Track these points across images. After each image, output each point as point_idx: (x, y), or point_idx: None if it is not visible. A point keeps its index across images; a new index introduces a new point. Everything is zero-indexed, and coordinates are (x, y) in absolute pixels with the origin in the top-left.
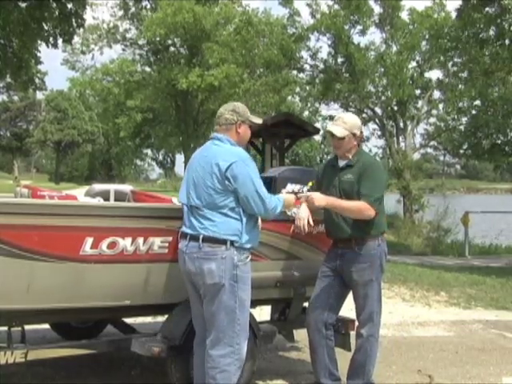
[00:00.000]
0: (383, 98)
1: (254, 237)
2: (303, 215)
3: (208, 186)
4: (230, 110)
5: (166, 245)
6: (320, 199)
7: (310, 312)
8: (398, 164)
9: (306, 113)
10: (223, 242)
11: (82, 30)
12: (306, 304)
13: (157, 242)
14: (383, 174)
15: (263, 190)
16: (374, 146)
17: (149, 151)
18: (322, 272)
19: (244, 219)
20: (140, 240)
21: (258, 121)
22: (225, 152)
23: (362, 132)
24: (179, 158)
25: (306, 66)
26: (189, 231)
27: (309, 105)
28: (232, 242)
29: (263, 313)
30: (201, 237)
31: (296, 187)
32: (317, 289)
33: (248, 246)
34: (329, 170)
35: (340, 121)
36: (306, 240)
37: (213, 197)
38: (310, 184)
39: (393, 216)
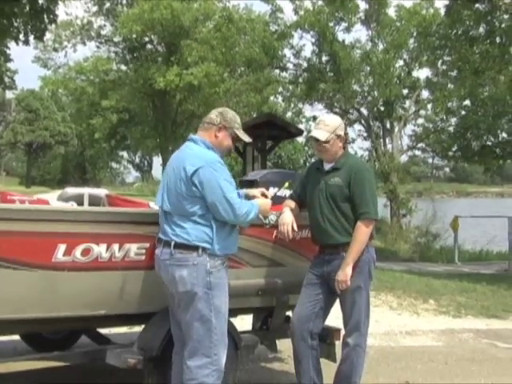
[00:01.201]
0: (369, 98)
1: (229, 244)
2: (287, 220)
3: (177, 191)
4: (218, 111)
5: (143, 251)
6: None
7: (295, 321)
8: (384, 167)
9: (289, 113)
10: (195, 248)
11: (54, 26)
12: (289, 313)
13: (133, 249)
14: (373, 179)
15: (232, 195)
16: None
17: (125, 153)
18: (308, 279)
19: (214, 226)
20: (115, 246)
21: (245, 138)
22: (193, 156)
23: (346, 133)
24: (156, 160)
25: (289, 65)
26: (162, 237)
27: (292, 105)
28: (204, 249)
29: (245, 322)
30: (172, 243)
31: (279, 191)
32: (302, 297)
33: (222, 252)
34: (313, 174)
35: (322, 124)
36: (290, 246)
37: (182, 203)
38: (286, 185)
39: (379, 221)
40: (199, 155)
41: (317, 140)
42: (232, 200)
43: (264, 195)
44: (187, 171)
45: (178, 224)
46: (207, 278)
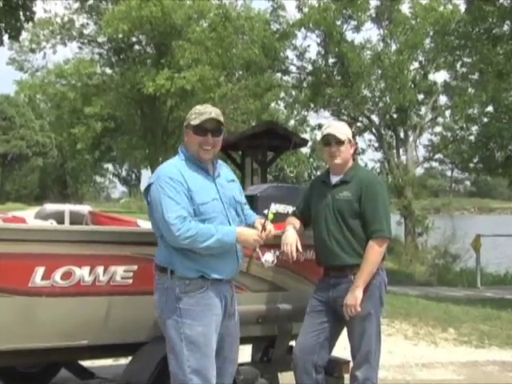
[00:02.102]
0: (381, 104)
1: (207, 266)
2: (290, 239)
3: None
4: None
5: (131, 275)
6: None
7: (298, 352)
8: (398, 180)
9: (292, 121)
10: (165, 270)
11: (31, 24)
12: (292, 342)
13: (119, 272)
14: (386, 193)
15: (171, 214)
16: (371, 159)
17: (110, 166)
18: (312, 306)
19: (172, 247)
20: (100, 269)
21: (196, 121)
22: (155, 171)
23: (356, 143)
24: (145, 173)
25: (292, 68)
26: None
27: (295, 112)
28: (172, 271)
29: (243, 353)
30: (154, 264)
31: (280, 207)
32: (306, 325)
33: (194, 275)
34: (319, 188)
35: (333, 126)
36: (292, 268)
37: (151, 221)
38: (271, 216)
39: (392, 240)
40: (158, 170)
41: (328, 143)
42: (169, 220)
43: (263, 228)
44: (143, 189)
45: (157, 244)
46: (176, 304)
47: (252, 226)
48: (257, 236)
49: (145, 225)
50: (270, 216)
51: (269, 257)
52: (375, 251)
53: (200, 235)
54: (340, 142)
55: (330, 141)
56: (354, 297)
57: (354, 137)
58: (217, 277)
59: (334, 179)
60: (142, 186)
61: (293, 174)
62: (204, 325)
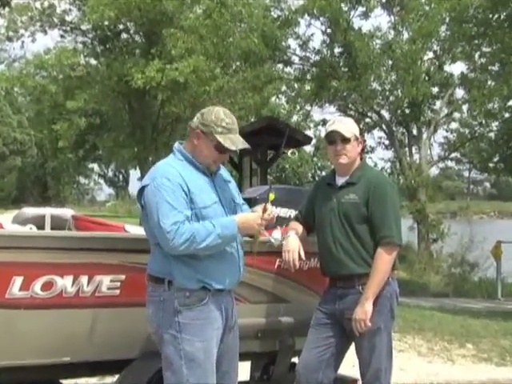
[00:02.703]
0: (392, 98)
1: (208, 275)
2: (292, 246)
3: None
4: (202, 111)
5: (118, 285)
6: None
7: (301, 369)
8: (410, 181)
9: (295, 117)
10: (161, 281)
11: (7, 9)
12: (295, 359)
13: (105, 282)
14: (396, 195)
15: (167, 220)
16: (381, 158)
17: (95, 166)
18: (317, 319)
19: (171, 255)
20: (84, 279)
21: (230, 145)
22: (149, 171)
23: (364, 140)
24: (134, 174)
25: (295, 59)
26: None
27: (298, 107)
28: (170, 282)
29: (242, 370)
30: (146, 274)
31: (282, 211)
32: (310, 340)
33: (196, 286)
34: (324, 190)
35: (338, 122)
36: (295, 278)
37: (145, 228)
38: (272, 197)
39: (404, 247)
40: (152, 170)
41: (332, 141)
42: (165, 227)
43: (265, 210)
44: (136, 191)
45: (150, 252)
46: (174, 318)
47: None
48: (260, 220)
49: (133, 230)
50: (271, 197)
51: (277, 234)
52: (384, 259)
53: (197, 235)
54: (346, 140)
55: (334, 138)
56: (364, 310)
57: (361, 134)
58: (219, 287)
59: (340, 180)
60: (131, 188)
61: (294, 156)
62: (205, 340)
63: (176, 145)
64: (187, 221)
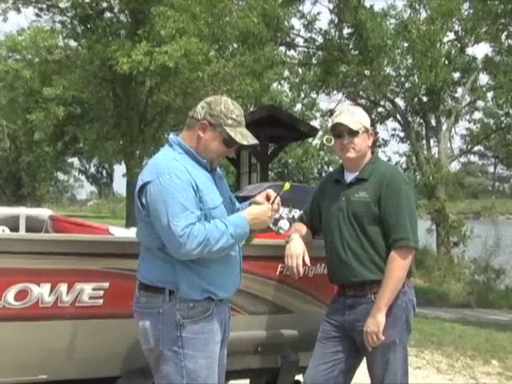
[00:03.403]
0: (407, 84)
1: (214, 283)
2: (296, 251)
3: (136, 215)
4: (207, 100)
5: (101, 294)
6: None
7: None
8: (428, 178)
9: (299, 106)
10: (160, 290)
11: None
12: (299, 377)
13: (87, 290)
14: (412, 193)
15: (179, 222)
16: (395, 152)
17: (75, 160)
18: (324, 331)
19: (180, 262)
20: (63, 287)
21: (242, 140)
22: (149, 165)
23: (376, 132)
24: (119, 169)
25: (299, 41)
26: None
27: (302, 95)
28: (171, 292)
29: None
30: (137, 282)
31: (284, 211)
32: (316, 355)
33: (200, 296)
34: (331, 187)
35: (345, 112)
36: (299, 286)
37: (140, 230)
38: (287, 187)
39: (422, 251)
40: (154, 165)
41: (340, 134)
42: (177, 230)
43: (268, 198)
44: (136, 188)
45: (143, 258)
46: (176, 333)
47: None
48: (270, 212)
49: (118, 232)
50: (286, 187)
51: (284, 224)
52: (398, 265)
53: (211, 237)
54: (353, 133)
55: (340, 131)
56: (376, 322)
57: (373, 125)
58: (224, 296)
59: (349, 177)
60: (115, 185)
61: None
62: (208, 356)
63: (172, 137)
64: (198, 222)
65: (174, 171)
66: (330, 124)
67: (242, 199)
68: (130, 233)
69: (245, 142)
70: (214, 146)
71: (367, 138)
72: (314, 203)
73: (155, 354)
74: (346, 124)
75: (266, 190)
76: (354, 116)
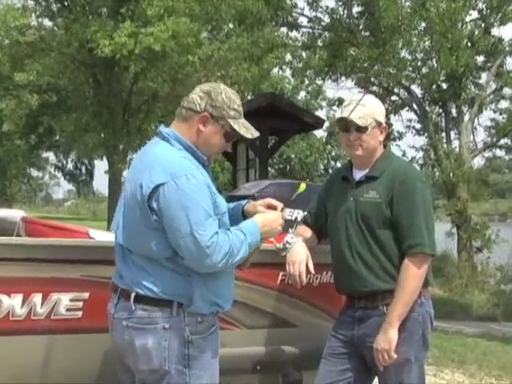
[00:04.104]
0: (425, 69)
1: (221, 295)
2: (299, 257)
3: (135, 219)
4: (204, 89)
5: (80, 305)
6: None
7: None
8: (448, 175)
9: (302, 94)
10: (166, 303)
11: None
12: None
13: (64, 301)
14: (429, 193)
15: (204, 231)
16: (411, 146)
17: (51, 155)
18: (331, 347)
19: (195, 273)
20: (37, 298)
21: (247, 133)
22: (155, 164)
23: (389, 123)
24: (100, 165)
25: (303, 21)
26: (118, 283)
27: (306, 82)
28: (180, 305)
29: None
30: (132, 294)
31: (286, 212)
32: (322, 374)
33: (209, 310)
34: (338, 186)
35: (355, 104)
36: (302, 296)
37: (143, 238)
38: (303, 187)
39: (441, 258)
40: (164, 163)
41: (346, 129)
42: (203, 240)
43: (271, 207)
44: (143, 191)
45: (140, 267)
46: (184, 351)
47: (242, 214)
48: (280, 219)
49: (99, 236)
50: (302, 187)
51: (290, 238)
52: (413, 274)
53: (234, 247)
54: (362, 129)
55: (347, 125)
56: (387, 339)
57: (386, 115)
58: (228, 308)
59: (358, 174)
60: (96, 183)
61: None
62: (214, 375)
63: (167, 130)
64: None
65: (189, 171)
66: (337, 115)
67: (239, 199)
68: (113, 236)
69: (249, 136)
70: (216, 141)
71: (379, 134)
72: (320, 203)
73: (159, 375)
74: (353, 120)
75: (266, 199)
76: (364, 108)
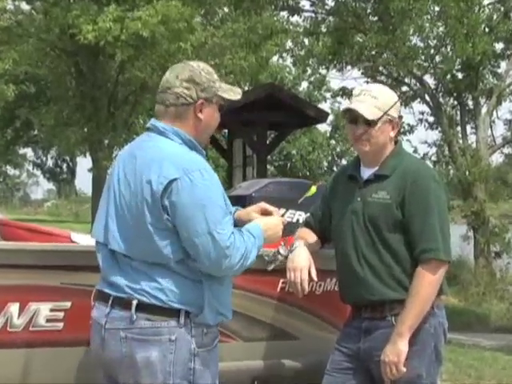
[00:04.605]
0: (438, 57)
1: (224, 304)
2: (301, 263)
3: (138, 220)
4: (184, 79)
5: (61, 315)
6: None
7: None
8: (464, 173)
9: (305, 85)
10: (173, 313)
11: None
12: None
13: (44, 311)
14: (444, 194)
15: (223, 230)
16: (422, 141)
17: (29, 151)
18: (334, 362)
19: (205, 278)
20: (13, 308)
21: (233, 95)
22: (164, 159)
23: (401, 116)
24: (83, 162)
25: (305, 4)
26: (112, 292)
27: (309, 71)
28: (188, 314)
29: None
30: (134, 302)
31: (287, 214)
32: None
33: (215, 321)
34: (344, 185)
35: (365, 94)
36: (304, 306)
37: (149, 240)
38: (314, 189)
39: (456, 264)
40: (173, 158)
41: (354, 120)
42: (221, 238)
43: (266, 213)
44: (154, 188)
45: (143, 273)
46: (190, 364)
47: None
48: (282, 224)
49: (82, 240)
50: (312, 190)
51: (282, 250)
52: (426, 282)
53: (248, 250)
54: (371, 122)
55: (355, 117)
56: (396, 351)
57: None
58: (230, 318)
59: (366, 172)
60: (79, 182)
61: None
62: None
63: (163, 125)
64: None
65: (202, 166)
66: (344, 104)
67: (235, 199)
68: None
69: (238, 96)
70: (215, 120)
71: (390, 129)
72: (324, 204)
73: None
74: (360, 112)
75: (258, 204)
76: (375, 101)
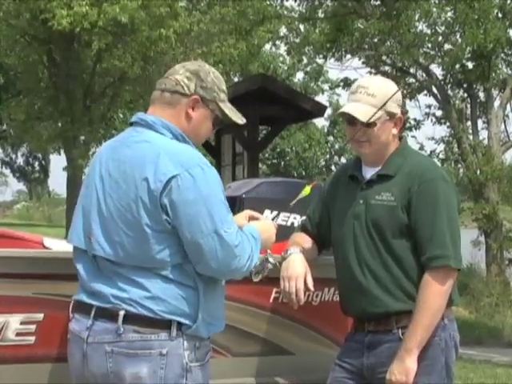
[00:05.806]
0: (447, 46)
1: (217, 315)
2: (296, 271)
3: (130, 221)
4: (189, 70)
5: (33, 329)
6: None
7: None
8: (475, 172)
9: (300, 75)
10: (164, 325)
11: None
12: None
13: (14, 324)
14: (454, 195)
15: (229, 229)
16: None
17: None
18: (335, 379)
19: (201, 285)
20: None
21: (234, 115)
22: (159, 154)
23: (405, 111)
24: (56, 160)
25: None
26: (94, 302)
27: (305, 60)
28: (180, 326)
29: None
30: (121, 313)
31: (280, 217)
32: None
33: (208, 333)
34: (345, 186)
35: (362, 92)
36: (300, 318)
37: (143, 243)
38: (308, 190)
39: (466, 272)
40: (169, 153)
41: (352, 122)
42: (228, 237)
43: (253, 219)
44: (152, 186)
45: (131, 281)
46: (182, 380)
47: None
48: (275, 228)
49: (56, 245)
50: (306, 191)
51: (271, 257)
52: (435, 292)
53: (254, 248)
54: (370, 124)
55: (352, 118)
56: (404, 369)
57: (402, 103)
58: (220, 330)
59: (369, 172)
60: (52, 183)
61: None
62: None
63: (152, 118)
64: None
65: (202, 161)
66: (341, 109)
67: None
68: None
69: (240, 122)
70: (205, 128)
71: (391, 127)
72: (322, 206)
73: None
74: (353, 115)
75: (244, 212)
76: (373, 100)
